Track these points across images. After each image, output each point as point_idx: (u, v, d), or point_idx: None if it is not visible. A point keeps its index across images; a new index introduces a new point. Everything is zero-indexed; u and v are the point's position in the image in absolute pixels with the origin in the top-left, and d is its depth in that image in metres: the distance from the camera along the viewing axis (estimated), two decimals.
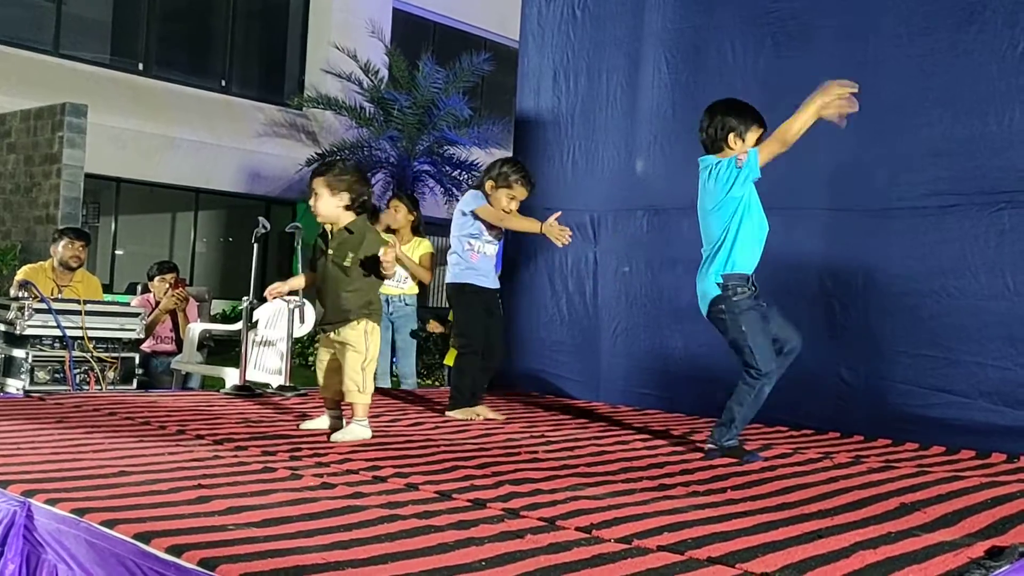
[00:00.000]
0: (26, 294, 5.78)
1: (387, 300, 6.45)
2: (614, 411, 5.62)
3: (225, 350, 8.36)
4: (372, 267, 4.13)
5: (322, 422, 4.31)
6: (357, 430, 4.06)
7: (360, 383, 4.09)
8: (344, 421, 4.21)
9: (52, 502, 2.58)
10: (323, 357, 4.30)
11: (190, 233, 16.85)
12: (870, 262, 5.03)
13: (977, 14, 4.74)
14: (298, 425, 4.37)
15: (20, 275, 6.43)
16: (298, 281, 4.46)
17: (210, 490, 2.88)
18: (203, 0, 17.10)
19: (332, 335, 4.20)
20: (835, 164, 5.10)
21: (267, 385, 5.93)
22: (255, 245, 5.71)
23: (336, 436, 4.03)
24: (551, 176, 6.14)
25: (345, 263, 4.13)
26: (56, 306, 5.76)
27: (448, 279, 5.16)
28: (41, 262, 6.87)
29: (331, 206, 4.14)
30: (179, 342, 6.95)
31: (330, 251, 4.18)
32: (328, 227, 4.23)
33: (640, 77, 5.96)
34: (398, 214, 6.62)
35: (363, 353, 4.10)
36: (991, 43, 4.69)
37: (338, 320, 4.15)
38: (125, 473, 3.06)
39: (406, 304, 6.60)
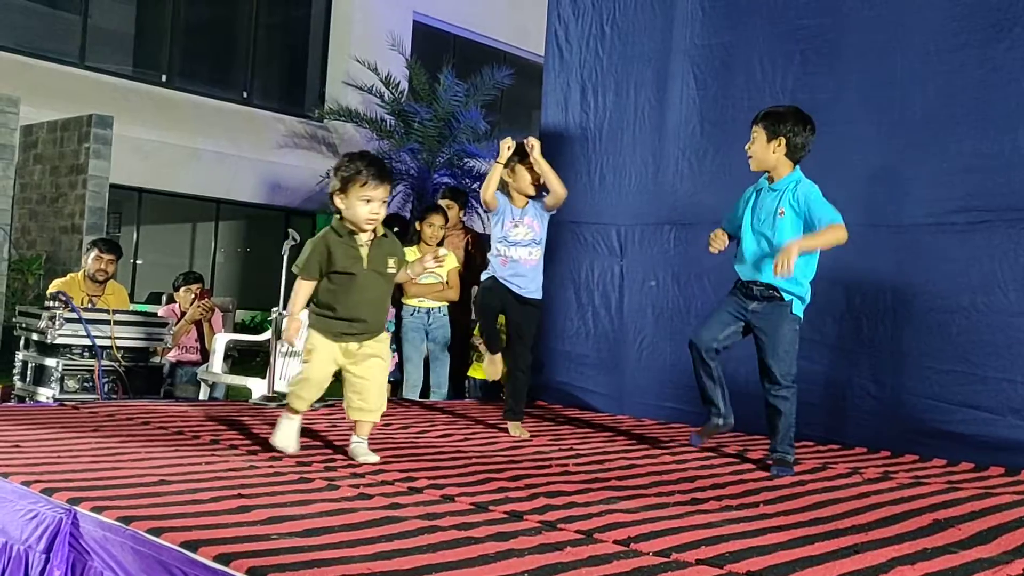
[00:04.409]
0: (58, 304, 5.84)
1: (428, 312, 6.45)
2: (639, 425, 5.63)
3: (247, 360, 8.42)
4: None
5: (290, 433, 3.88)
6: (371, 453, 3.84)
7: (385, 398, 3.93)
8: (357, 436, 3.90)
9: (98, 510, 2.62)
10: (328, 368, 3.83)
11: (210, 243, 16.93)
12: (899, 278, 5.03)
13: (1007, 30, 4.74)
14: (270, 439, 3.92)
15: (53, 287, 6.50)
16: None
17: (250, 500, 2.91)
18: (225, 13, 17.24)
19: (352, 346, 3.81)
20: (864, 180, 5.10)
21: None
22: (284, 257, 5.73)
23: (363, 458, 3.77)
24: (578, 189, 6.13)
25: (389, 270, 3.86)
26: (86, 316, 5.82)
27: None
28: (73, 273, 6.92)
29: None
30: (204, 352, 6.99)
31: (365, 257, 3.78)
32: (354, 232, 3.78)
33: (668, 93, 5.99)
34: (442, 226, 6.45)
35: (387, 362, 3.97)
36: (1021, 59, 4.69)
37: (371, 332, 3.82)
38: (165, 482, 3.10)
39: (443, 315, 6.49)
